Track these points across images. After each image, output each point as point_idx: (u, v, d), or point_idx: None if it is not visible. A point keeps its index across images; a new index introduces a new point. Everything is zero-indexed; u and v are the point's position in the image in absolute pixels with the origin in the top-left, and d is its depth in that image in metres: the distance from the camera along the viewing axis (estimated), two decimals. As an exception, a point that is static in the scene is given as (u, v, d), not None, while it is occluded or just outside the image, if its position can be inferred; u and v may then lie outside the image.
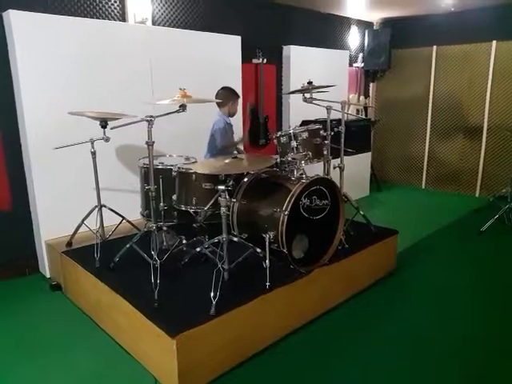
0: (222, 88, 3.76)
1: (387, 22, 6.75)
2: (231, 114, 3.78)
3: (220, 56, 4.44)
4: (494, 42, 5.72)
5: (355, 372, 2.45)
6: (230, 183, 2.73)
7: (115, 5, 3.94)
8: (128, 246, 2.90)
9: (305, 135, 3.13)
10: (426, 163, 6.69)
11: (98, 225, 3.34)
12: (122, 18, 4.01)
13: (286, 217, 2.64)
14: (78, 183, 3.58)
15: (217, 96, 3.71)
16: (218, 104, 3.70)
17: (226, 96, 3.69)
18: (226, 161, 2.79)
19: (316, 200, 2.84)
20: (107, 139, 3.07)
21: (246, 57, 4.83)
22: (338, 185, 3.07)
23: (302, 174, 2.97)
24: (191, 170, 2.90)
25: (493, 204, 4.96)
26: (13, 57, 3.26)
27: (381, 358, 2.57)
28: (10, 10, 3.15)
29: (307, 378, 2.40)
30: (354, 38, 6.62)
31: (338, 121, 3.54)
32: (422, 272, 3.75)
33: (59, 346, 2.71)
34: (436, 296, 3.33)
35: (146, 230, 2.98)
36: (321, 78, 3.82)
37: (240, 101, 3.99)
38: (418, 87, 6.56)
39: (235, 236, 2.84)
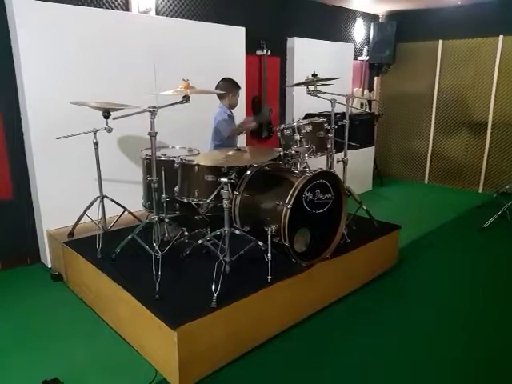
0: (223, 79, 3.73)
1: (393, 15, 6.68)
2: (232, 106, 3.74)
3: (224, 47, 4.40)
4: (501, 37, 5.66)
5: (355, 366, 2.45)
6: (233, 176, 2.72)
7: (119, -6, 3.91)
8: (130, 237, 2.89)
9: (308, 128, 3.11)
10: (429, 158, 6.66)
11: (100, 215, 3.33)
12: (126, 7, 3.97)
13: (289, 210, 2.62)
14: (80, 173, 3.57)
15: (217, 87, 3.67)
16: (219, 96, 3.67)
17: (226, 87, 3.65)
18: (229, 153, 2.77)
19: (319, 194, 2.83)
20: (110, 130, 3.05)
21: (250, 48, 4.79)
22: (342, 179, 3.05)
23: (305, 168, 2.96)
24: (194, 162, 2.88)
25: (496, 200, 4.94)
26: (15, 45, 3.23)
27: (382, 353, 2.57)
28: (12, -2, 3.12)
29: (308, 372, 2.41)
30: (359, 30, 6.56)
31: (342, 114, 3.52)
32: (424, 267, 3.75)
33: (60, 336, 2.71)
34: (438, 291, 3.32)
35: (147, 221, 2.96)
36: (325, 71, 3.78)
37: (242, 92, 3.95)
38: (423, 81, 6.51)
39: (237, 229, 2.83)
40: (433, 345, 2.64)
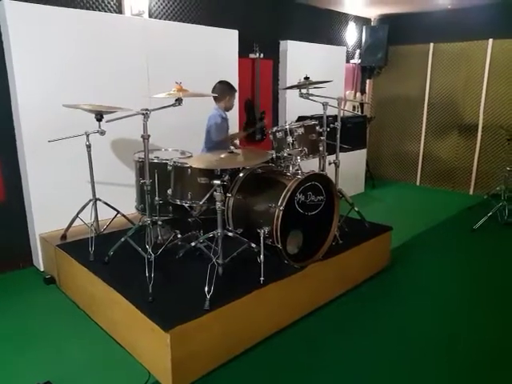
0: (220, 82, 3.74)
1: (385, 19, 6.74)
2: (227, 109, 3.76)
3: (217, 50, 4.41)
4: (491, 40, 5.73)
5: (348, 366, 2.47)
6: (226, 178, 2.73)
7: (111, -3, 3.91)
8: (123, 239, 2.90)
9: (301, 131, 3.14)
10: (420, 160, 6.72)
11: (93, 218, 3.32)
12: (119, 10, 3.97)
13: (281, 212, 2.64)
14: (73, 176, 3.56)
15: (214, 90, 3.69)
16: (215, 98, 3.68)
17: (223, 90, 3.67)
18: (222, 155, 2.78)
19: (311, 196, 2.85)
20: (102, 132, 3.05)
21: (243, 51, 4.81)
22: (333, 181, 3.08)
23: (297, 170, 2.98)
24: (187, 165, 2.89)
25: (486, 202, 4.99)
26: (7, 48, 3.23)
27: (374, 353, 2.59)
28: (4, 0, 3.11)
29: (300, 373, 2.42)
30: (351, 34, 6.61)
31: (334, 117, 3.54)
32: (416, 268, 3.78)
33: (53, 339, 2.71)
34: (429, 292, 3.35)
35: (140, 224, 2.97)
36: (317, 74, 3.83)
37: (237, 95, 3.97)
38: (415, 84, 6.57)
39: (230, 231, 2.84)
40: (425, 345, 2.67)
